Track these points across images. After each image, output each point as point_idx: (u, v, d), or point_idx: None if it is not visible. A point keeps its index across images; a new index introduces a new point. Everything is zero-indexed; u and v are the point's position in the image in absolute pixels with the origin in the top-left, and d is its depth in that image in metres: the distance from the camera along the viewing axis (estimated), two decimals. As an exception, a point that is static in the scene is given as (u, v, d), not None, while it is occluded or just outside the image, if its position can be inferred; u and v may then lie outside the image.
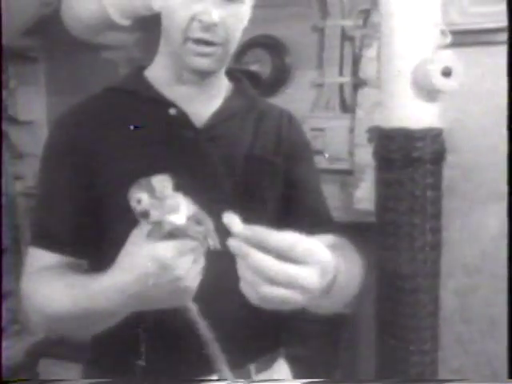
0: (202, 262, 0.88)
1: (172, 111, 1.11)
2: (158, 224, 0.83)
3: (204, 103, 1.14)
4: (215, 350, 0.93)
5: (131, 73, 1.20)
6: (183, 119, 1.11)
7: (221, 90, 1.18)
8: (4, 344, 1.19)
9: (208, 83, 1.13)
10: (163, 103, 1.12)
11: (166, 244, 0.83)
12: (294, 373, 1.27)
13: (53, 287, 0.99)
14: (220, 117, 1.14)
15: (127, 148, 1.08)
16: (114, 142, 1.08)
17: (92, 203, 1.07)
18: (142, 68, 1.18)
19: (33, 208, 1.12)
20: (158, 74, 1.15)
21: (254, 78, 1.17)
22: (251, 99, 1.23)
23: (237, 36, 1.09)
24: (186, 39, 1.05)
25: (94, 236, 1.08)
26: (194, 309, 0.92)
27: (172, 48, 1.09)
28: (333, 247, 0.97)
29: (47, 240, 1.08)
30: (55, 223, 1.08)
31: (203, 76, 1.11)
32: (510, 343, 1.24)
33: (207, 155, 1.11)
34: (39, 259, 1.07)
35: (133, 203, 0.81)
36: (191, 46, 1.05)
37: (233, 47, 1.10)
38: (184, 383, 1.08)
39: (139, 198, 0.81)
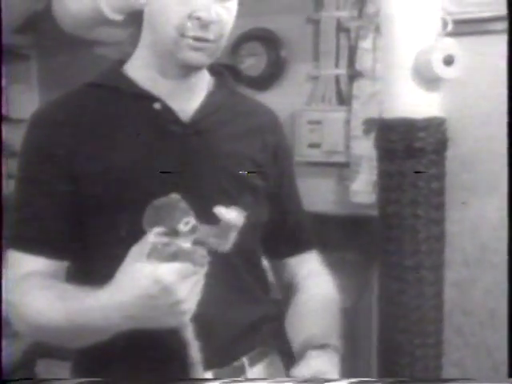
0: (201, 284, 0.88)
1: (156, 106, 1.08)
2: (163, 245, 0.84)
3: (187, 98, 1.11)
4: (200, 370, 0.94)
5: (110, 68, 1.15)
6: (169, 114, 1.08)
7: (203, 84, 1.15)
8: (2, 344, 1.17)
9: (191, 78, 1.11)
10: (146, 98, 1.09)
11: (168, 266, 0.83)
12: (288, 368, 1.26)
13: (43, 299, 0.96)
14: (205, 111, 1.12)
15: (110, 144, 1.05)
16: (95, 139, 1.05)
17: (73, 202, 1.04)
18: (122, 62, 1.15)
19: (11, 209, 1.08)
20: (139, 68, 1.11)
21: (234, 71, 1.16)
22: (233, 93, 1.21)
23: (229, 31, 1.07)
24: (181, 35, 1.01)
25: (76, 236, 1.06)
26: (189, 328, 0.91)
27: (161, 43, 1.06)
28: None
29: (27, 242, 1.05)
30: (35, 225, 1.05)
31: (190, 71, 1.09)
32: (510, 342, 1.22)
33: (196, 150, 1.09)
34: (21, 264, 1.04)
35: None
36: (186, 41, 1.02)
37: (224, 42, 1.08)
38: (182, 383, 1.06)
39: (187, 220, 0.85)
